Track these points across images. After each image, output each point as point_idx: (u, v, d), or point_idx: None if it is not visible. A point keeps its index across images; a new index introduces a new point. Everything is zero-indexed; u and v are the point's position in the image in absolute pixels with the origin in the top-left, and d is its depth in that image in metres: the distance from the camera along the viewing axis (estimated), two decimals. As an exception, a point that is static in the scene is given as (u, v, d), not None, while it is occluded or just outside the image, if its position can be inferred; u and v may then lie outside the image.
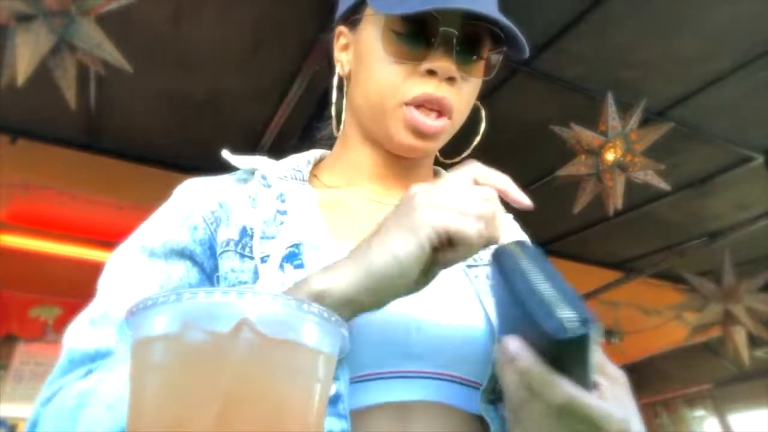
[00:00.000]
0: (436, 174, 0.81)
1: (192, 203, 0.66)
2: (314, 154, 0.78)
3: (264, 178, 0.68)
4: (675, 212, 3.67)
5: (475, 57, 0.68)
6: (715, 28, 2.36)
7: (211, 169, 0.79)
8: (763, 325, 3.64)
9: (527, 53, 0.68)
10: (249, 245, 0.61)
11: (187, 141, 3.07)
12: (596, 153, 2.45)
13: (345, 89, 0.74)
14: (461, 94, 0.67)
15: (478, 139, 0.76)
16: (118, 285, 0.59)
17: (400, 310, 0.57)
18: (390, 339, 0.57)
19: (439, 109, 0.65)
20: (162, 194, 0.70)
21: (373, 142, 0.72)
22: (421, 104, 0.65)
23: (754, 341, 4.01)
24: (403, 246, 0.46)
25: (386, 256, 0.47)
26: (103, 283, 0.61)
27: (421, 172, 0.75)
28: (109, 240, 3.21)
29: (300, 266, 0.58)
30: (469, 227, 0.47)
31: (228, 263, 0.60)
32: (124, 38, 1.87)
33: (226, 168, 0.73)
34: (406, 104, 0.65)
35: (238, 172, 0.72)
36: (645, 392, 6.13)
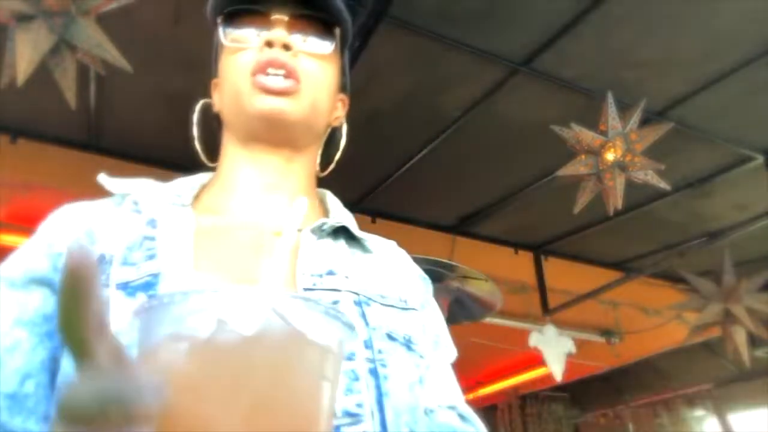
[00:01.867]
0: (321, 199, 0.80)
1: (59, 230, 0.65)
2: (204, 176, 0.78)
3: (135, 203, 0.67)
4: (675, 212, 3.67)
5: (316, 41, 0.73)
6: (715, 28, 2.36)
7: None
8: (763, 325, 3.63)
9: (345, 23, 0.75)
10: (106, 273, 0.59)
11: (187, 141, 3.05)
12: (596, 153, 2.45)
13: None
14: (307, 64, 0.71)
15: (338, 154, 0.81)
16: None
17: None
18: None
19: (284, 72, 0.69)
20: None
21: (242, 145, 0.74)
22: (264, 69, 0.69)
23: (754, 341, 4.01)
24: None
25: None
26: None
27: (294, 181, 0.74)
28: (109, 240, 3.21)
29: (153, 297, 0.56)
30: None
31: None
32: (124, 38, 1.87)
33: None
34: (253, 74, 0.69)
35: (113, 197, 0.71)
36: (645, 392, 6.13)
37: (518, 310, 4.10)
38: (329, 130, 0.80)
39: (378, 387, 0.60)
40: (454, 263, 2.58)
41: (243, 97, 0.70)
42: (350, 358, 0.60)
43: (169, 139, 3.08)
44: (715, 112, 2.83)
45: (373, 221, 3.57)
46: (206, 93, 0.82)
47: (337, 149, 0.81)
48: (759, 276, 3.63)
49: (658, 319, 4.41)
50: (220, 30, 0.74)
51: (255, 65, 0.69)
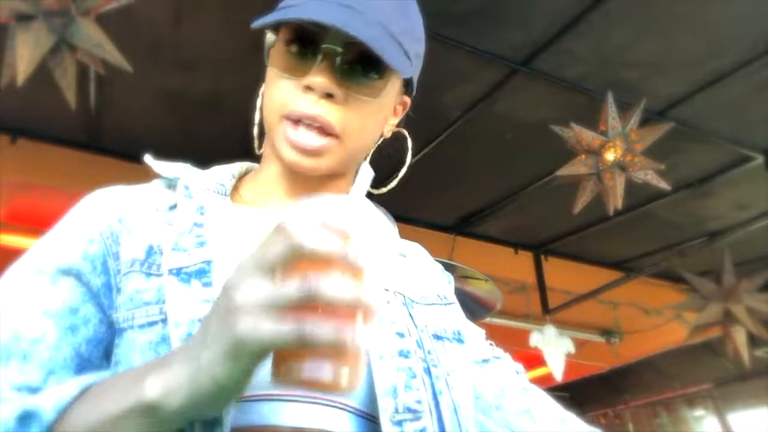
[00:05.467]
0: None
1: (91, 217, 0.63)
2: (240, 166, 0.76)
3: (187, 188, 0.66)
4: (675, 212, 3.67)
5: (372, 75, 0.63)
6: (715, 28, 2.36)
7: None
8: (763, 325, 3.63)
9: (409, 74, 0.66)
10: (157, 263, 0.58)
11: (187, 141, 3.06)
12: (596, 153, 2.45)
13: None
14: (348, 113, 0.63)
15: (404, 170, 0.73)
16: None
17: None
18: None
19: (318, 126, 0.62)
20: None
21: (280, 158, 0.68)
22: (298, 120, 0.62)
23: (754, 341, 4.01)
24: (225, 371, 0.41)
25: (207, 381, 0.42)
26: None
27: (333, 191, 0.70)
28: (109, 240, 3.21)
29: (208, 284, 0.57)
30: (309, 331, 0.38)
31: (133, 284, 0.58)
32: (124, 38, 1.87)
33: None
34: (285, 118, 0.63)
35: (154, 181, 0.70)
36: (645, 392, 6.13)
37: (518, 310, 4.10)
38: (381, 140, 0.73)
39: (432, 386, 0.61)
40: (454, 263, 2.57)
41: (274, 137, 0.65)
42: (406, 355, 0.60)
43: (168, 138, 3.09)
44: (715, 112, 2.83)
45: (373, 221, 3.56)
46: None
47: (403, 164, 0.73)
48: (759, 276, 3.63)
49: (658, 319, 4.41)
50: (267, 42, 0.68)
51: (288, 112, 0.62)
